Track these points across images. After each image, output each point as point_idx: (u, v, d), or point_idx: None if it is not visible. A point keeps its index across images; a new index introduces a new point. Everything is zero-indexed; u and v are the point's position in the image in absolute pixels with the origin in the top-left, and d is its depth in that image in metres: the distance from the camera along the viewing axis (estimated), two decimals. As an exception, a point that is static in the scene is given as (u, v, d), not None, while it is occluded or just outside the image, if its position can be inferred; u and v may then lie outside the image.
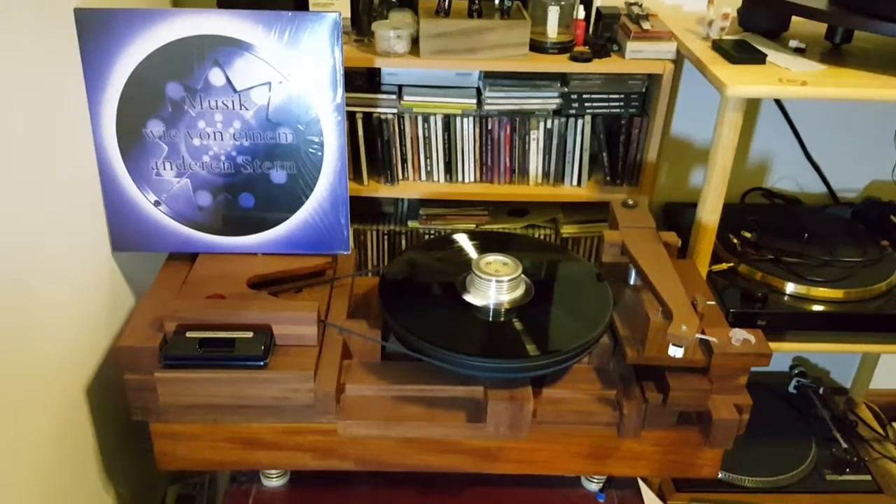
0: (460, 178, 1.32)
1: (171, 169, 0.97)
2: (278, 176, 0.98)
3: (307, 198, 0.98)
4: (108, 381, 1.00)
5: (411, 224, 1.36)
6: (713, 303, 0.95)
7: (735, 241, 1.30)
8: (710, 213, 1.15)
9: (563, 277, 1.02)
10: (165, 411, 0.89)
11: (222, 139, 0.96)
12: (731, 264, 1.26)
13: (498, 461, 0.95)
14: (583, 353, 0.92)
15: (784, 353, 1.27)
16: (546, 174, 1.32)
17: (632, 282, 1.04)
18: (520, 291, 0.96)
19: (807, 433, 1.52)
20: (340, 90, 0.94)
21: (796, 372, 1.66)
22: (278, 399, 0.87)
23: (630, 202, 1.08)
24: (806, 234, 1.32)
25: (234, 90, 0.93)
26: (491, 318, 0.93)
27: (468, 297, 0.94)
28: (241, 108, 0.94)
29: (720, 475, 1.41)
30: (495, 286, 0.93)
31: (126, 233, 1.00)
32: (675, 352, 0.84)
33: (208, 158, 0.97)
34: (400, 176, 1.32)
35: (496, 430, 0.89)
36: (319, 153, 0.96)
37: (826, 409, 1.59)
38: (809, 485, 1.42)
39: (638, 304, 0.98)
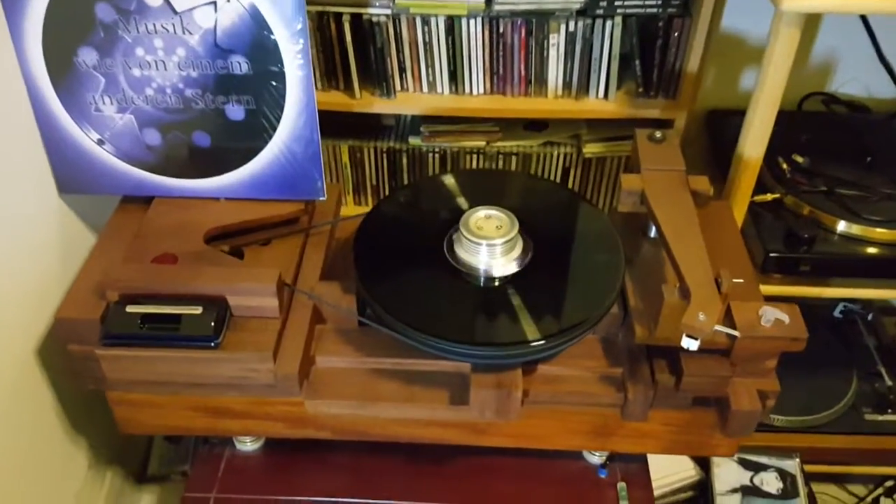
0: (467, 90, 1.16)
1: (112, 103, 0.84)
2: (235, 112, 0.84)
3: (271, 137, 0.85)
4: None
5: (412, 141, 1.22)
6: (741, 280, 0.81)
7: (784, 165, 1.13)
8: (753, 146, 0.97)
9: (568, 233, 0.88)
10: (117, 384, 0.81)
11: (165, 69, 0.81)
12: (777, 195, 1.09)
13: (487, 435, 0.86)
14: (587, 331, 0.80)
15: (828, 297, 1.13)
16: (567, 85, 1.15)
17: (651, 234, 0.90)
18: (516, 253, 0.82)
19: (848, 366, 1.40)
20: (303, 11, 0.77)
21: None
22: (237, 378, 0.79)
23: (658, 135, 0.91)
24: (869, 158, 1.14)
25: (174, 11, 0.78)
26: (482, 287, 0.81)
27: (455, 262, 0.82)
28: (183, 33, 0.79)
29: (747, 413, 1.31)
30: (486, 250, 0.81)
31: (71, 174, 0.89)
32: (689, 344, 0.71)
33: (152, 91, 0.83)
34: (398, 87, 1.16)
35: (481, 414, 0.79)
36: (281, 86, 0.82)
37: (873, 338, 1.45)
38: (845, 424, 1.32)
39: (654, 269, 0.84)
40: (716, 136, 1.28)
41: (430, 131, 1.20)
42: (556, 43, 1.10)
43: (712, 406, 0.82)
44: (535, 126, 1.24)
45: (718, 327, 0.70)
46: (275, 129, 0.84)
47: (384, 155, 1.23)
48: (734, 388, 0.78)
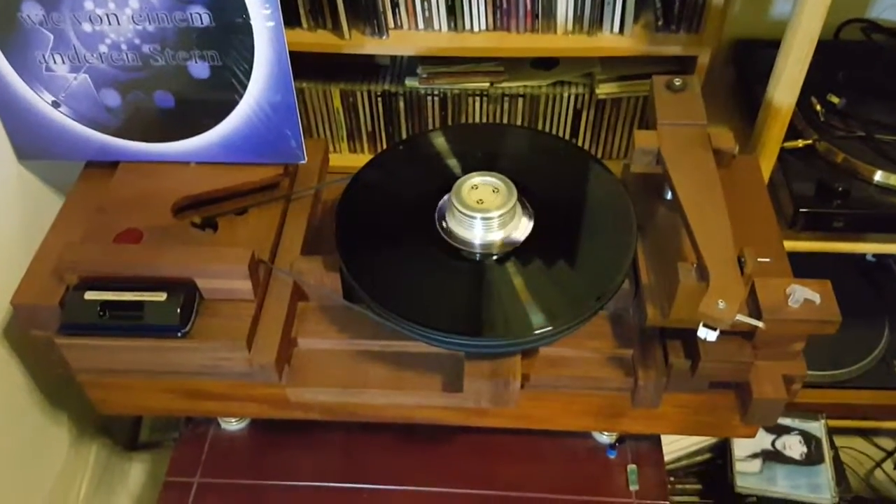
0: (468, 26, 1.05)
1: (63, 62, 0.75)
2: (199, 69, 0.75)
3: (241, 95, 0.76)
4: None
5: (409, 83, 1.12)
6: (767, 259, 0.73)
7: (818, 107, 1.02)
8: (785, 91, 0.87)
9: (574, 200, 0.80)
10: (83, 371, 0.76)
11: (119, 23, 0.72)
12: (809, 141, 0.99)
13: (488, 416, 0.81)
14: (595, 313, 0.73)
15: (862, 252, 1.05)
16: (578, 18, 1.04)
17: (668, 196, 0.81)
18: (516, 224, 0.75)
19: (880, 315, 1.32)
20: (267, -50, 0.68)
21: (878, 237, 1.42)
22: (210, 367, 0.73)
23: (677, 82, 0.82)
24: (915, 97, 1.03)
25: (121, -44, 0.69)
26: (477, 265, 0.73)
27: (448, 237, 0.74)
28: (134, -18, 0.70)
29: (770, 368, 1.25)
30: (482, 224, 0.73)
31: (28, 139, 0.81)
32: (707, 334, 0.64)
33: (106, 48, 0.74)
34: (391, 24, 1.05)
35: (476, 402, 0.73)
36: (248, 39, 0.73)
37: (907, 285, 1.37)
38: (874, 378, 1.25)
39: (670, 238, 0.76)
40: (743, 70, 1.17)
41: (429, 72, 1.10)
42: (565, -28, 0.99)
43: (731, 388, 0.76)
44: (543, 64, 1.14)
45: (740, 317, 0.63)
46: (244, 87, 0.75)
47: (379, 99, 1.14)
48: (756, 373, 0.71)
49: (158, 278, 0.70)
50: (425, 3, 1.03)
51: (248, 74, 0.75)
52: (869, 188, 0.96)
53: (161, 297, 0.69)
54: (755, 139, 0.94)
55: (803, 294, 0.67)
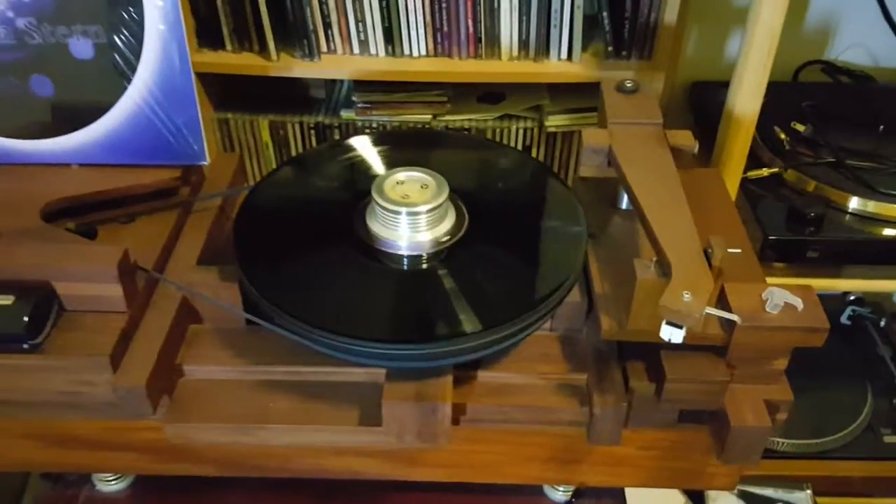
0: (406, 51, 0.99)
1: (-81, 39, 0.66)
2: (81, 47, 0.66)
3: (129, 81, 0.67)
4: None
5: (345, 115, 1.04)
6: (738, 250, 0.64)
7: (782, 135, 0.96)
8: (748, 99, 0.81)
9: (514, 200, 0.71)
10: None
11: (-14, -9, 0.64)
12: (776, 169, 0.92)
13: (418, 466, 0.68)
14: (542, 319, 0.62)
15: (841, 291, 0.96)
16: (524, 44, 0.98)
17: (623, 205, 0.72)
18: (447, 225, 0.65)
19: (861, 380, 1.22)
20: None
21: (852, 298, 1.35)
22: (69, 394, 0.60)
23: (629, 84, 0.74)
24: (882, 126, 0.97)
25: None
26: (403, 269, 0.63)
27: (369, 240, 0.64)
28: (4, -60, 0.61)
29: (746, 435, 1.13)
30: (407, 220, 0.63)
31: None
32: (672, 334, 0.53)
33: (-29, 22, 0.65)
34: (323, 47, 0.98)
35: (399, 438, 0.60)
36: (138, 11, 0.64)
37: (888, 347, 1.28)
38: (861, 448, 1.14)
39: (626, 247, 0.67)
40: (701, 111, 1.12)
41: (365, 101, 1.03)
42: (508, -8, 0.94)
43: (706, 423, 0.64)
44: (490, 98, 1.07)
45: (710, 310, 0.52)
46: (134, 71, 0.66)
47: (312, 131, 1.05)
48: (733, 397, 0.60)
49: (7, 281, 0.58)
50: (360, 25, 0.96)
51: (137, 55, 0.65)
52: (844, 216, 0.89)
53: (7, 300, 0.56)
54: (716, 158, 0.86)
55: (783, 297, 0.57)
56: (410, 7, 0.94)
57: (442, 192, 0.64)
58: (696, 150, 0.69)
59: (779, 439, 1.13)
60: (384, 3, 0.94)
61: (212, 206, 0.73)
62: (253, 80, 1.04)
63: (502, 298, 0.61)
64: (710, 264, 0.56)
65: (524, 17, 0.95)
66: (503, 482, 0.70)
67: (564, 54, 0.98)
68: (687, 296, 0.52)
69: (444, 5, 0.95)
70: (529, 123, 1.04)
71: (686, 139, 0.69)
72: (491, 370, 0.64)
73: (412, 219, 0.62)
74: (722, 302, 0.59)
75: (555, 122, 1.03)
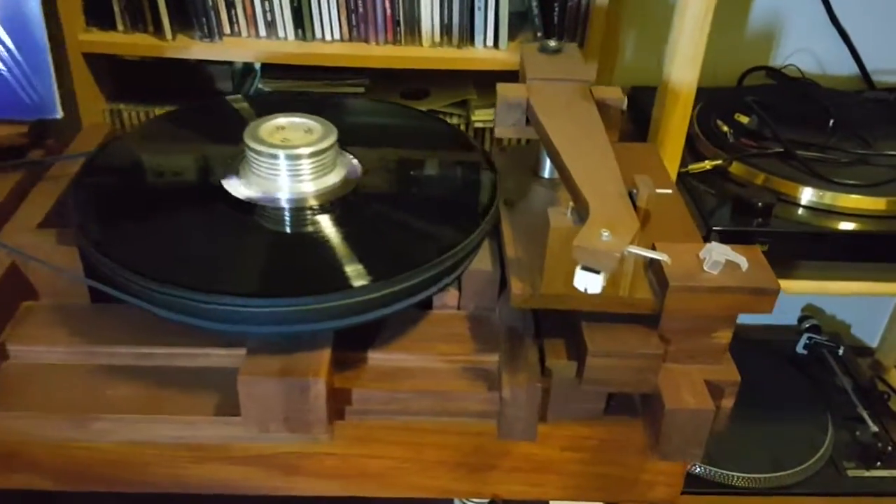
0: (318, 34, 0.91)
1: None
2: None
3: (-36, 14, 0.58)
4: None
5: (250, 105, 0.95)
6: (669, 191, 0.56)
7: (725, 128, 0.90)
8: (684, 67, 0.74)
9: (416, 155, 0.63)
10: None
11: None
12: (719, 162, 0.86)
13: (298, 475, 0.57)
14: (442, 281, 0.53)
15: (794, 295, 0.89)
16: (446, 29, 0.91)
17: (545, 173, 0.64)
18: (336, 177, 0.56)
19: (821, 411, 1.14)
20: None
21: (807, 326, 1.28)
22: None
23: (552, 44, 0.67)
24: (832, 121, 0.92)
25: None
26: (281, 223, 0.53)
27: (239, 192, 0.54)
28: None
29: (697, 469, 1.04)
30: (287, 165, 0.54)
31: None
32: (586, 281, 0.44)
33: None
34: (226, 29, 0.91)
35: (262, 428, 0.50)
36: (-29, -74, 0.55)
37: (847, 377, 1.21)
38: (824, 483, 1.05)
39: (545, 216, 0.58)
40: (641, 116, 1.06)
41: (273, 88, 0.94)
42: (429, -30, 0.88)
43: (640, 415, 0.55)
44: (414, 94, 1.00)
45: (633, 248, 0.44)
46: (-33, 0, 0.57)
47: (213, 126, 0.96)
48: (669, 378, 0.51)
49: None
50: (266, 3, 0.89)
51: (-28, -20, 0.57)
52: (796, 209, 0.82)
53: None
54: (651, 137, 0.79)
55: (723, 255, 0.49)
56: (322, -15, 0.88)
57: (329, 136, 0.55)
58: (624, 106, 0.62)
59: (734, 473, 1.04)
60: (293, -20, 0.87)
61: (70, 174, 0.64)
62: (150, 69, 0.96)
63: (392, 251, 0.52)
64: (634, 205, 0.48)
65: (446, 0, 0.89)
66: (403, 496, 0.59)
67: (490, 41, 0.92)
68: (605, 234, 0.44)
69: (358, -17, 0.88)
70: (455, 119, 0.97)
71: (614, 93, 0.62)
72: (383, 350, 0.54)
73: (292, 164, 0.53)
74: (655, 267, 0.51)
75: (482, 116, 0.96)
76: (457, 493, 0.61)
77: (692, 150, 0.90)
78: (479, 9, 0.90)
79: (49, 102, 0.61)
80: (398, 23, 0.91)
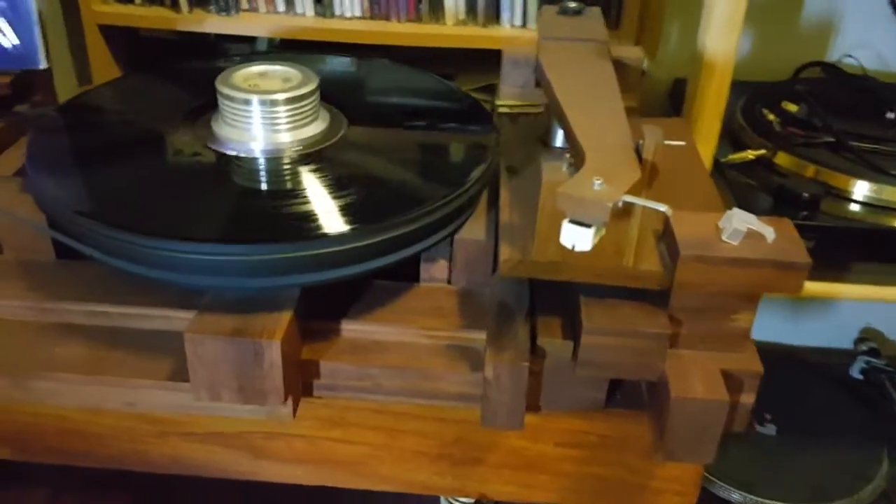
0: (337, 10, 0.88)
1: None
2: None
3: (-58, -48, 0.55)
4: None
5: (266, 84, 0.92)
6: (682, 142, 0.49)
7: (771, 117, 0.83)
8: (720, 35, 0.66)
9: (411, 111, 0.58)
10: None
11: None
12: (762, 152, 0.78)
13: (265, 459, 0.52)
14: (425, 240, 0.48)
15: (845, 301, 0.80)
16: (471, 6, 0.86)
17: (556, 142, 0.58)
18: (317, 128, 0.51)
19: (875, 439, 1.05)
20: None
21: (865, 349, 1.18)
22: None
23: (572, 5, 0.62)
24: (891, 113, 0.84)
25: None
26: (253, 173, 0.49)
27: (212, 144, 0.50)
28: None
29: (735, 496, 0.95)
30: (262, 112, 0.49)
31: None
32: (574, 237, 0.38)
33: None
34: (243, 3, 0.87)
35: (213, 395, 0.45)
36: None
37: (906, 404, 1.11)
38: (875, 518, 0.95)
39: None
40: (681, 109, 0.99)
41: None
42: (454, -58, 0.83)
43: (647, 408, 0.48)
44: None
45: (629, 197, 0.37)
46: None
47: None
48: (679, 365, 0.44)
49: None
50: (285, -23, 0.86)
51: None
52: (847, 204, 0.74)
53: None
54: (685, 114, 0.72)
55: (745, 223, 0.43)
56: (342, -42, 0.84)
57: (309, 83, 0.50)
58: (644, 65, 0.56)
59: (775, 502, 0.95)
60: (313, -48, 0.84)
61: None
62: (169, 47, 0.93)
63: (368, 202, 0.47)
64: (640, 157, 0.42)
65: (472, -25, 0.84)
66: (379, 488, 0.53)
67: (518, 20, 0.86)
68: (598, 182, 0.38)
69: (381, -43, 0.84)
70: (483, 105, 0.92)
71: (632, 52, 0.56)
72: (359, 321, 0.49)
73: (267, 110, 0.49)
74: (667, 236, 0.44)
75: (507, 101, 0.90)
76: (439, 490, 0.54)
77: (735, 143, 0.83)
78: (507, -15, 0.85)
79: (32, 52, 0.58)
80: (420, 0, 0.86)
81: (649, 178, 0.45)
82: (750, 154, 0.78)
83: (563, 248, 0.42)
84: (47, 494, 0.62)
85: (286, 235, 0.43)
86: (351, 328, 0.49)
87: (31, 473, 0.59)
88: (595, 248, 0.43)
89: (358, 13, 0.88)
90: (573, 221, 0.38)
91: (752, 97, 0.88)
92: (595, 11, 0.63)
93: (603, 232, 0.39)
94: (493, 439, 0.50)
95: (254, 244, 0.43)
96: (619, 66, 0.55)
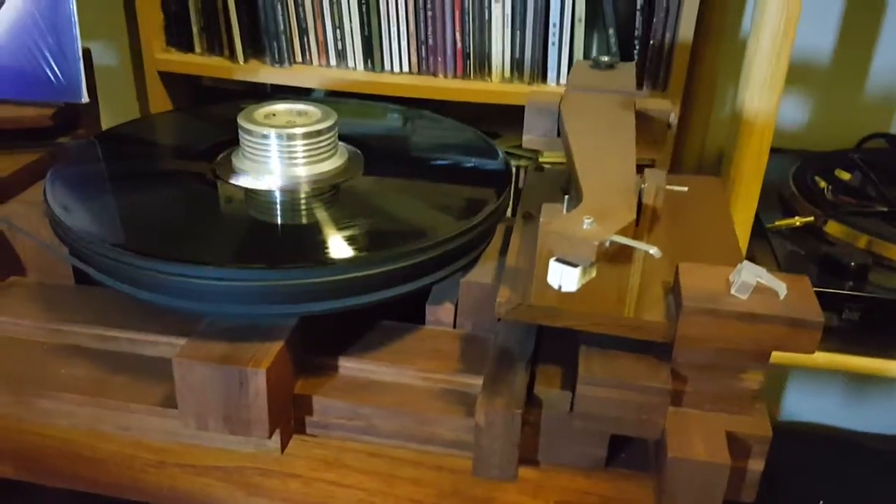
0: (387, 66, 0.90)
1: None
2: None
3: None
4: None
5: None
6: (683, 189, 0.47)
7: (823, 184, 0.80)
8: (760, 90, 0.65)
9: (429, 154, 0.59)
10: None
11: None
12: (810, 218, 0.75)
13: (261, 496, 0.51)
14: (426, 277, 0.47)
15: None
16: (518, 63, 0.87)
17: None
18: (335, 163, 0.52)
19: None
20: None
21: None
22: None
23: (605, 59, 0.62)
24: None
25: None
26: (268, 205, 0.50)
27: (229, 180, 0.51)
28: None
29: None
30: (279, 146, 0.50)
31: None
32: (561, 276, 0.37)
33: None
34: (296, 55, 0.91)
35: (200, 424, 0.45)
36: None
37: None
38: None
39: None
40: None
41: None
42: (501, 2, 0.84)
43: (652, 469, 0.46)
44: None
45: (619, 238, 0.36)
46: (7, -20, 0.59)
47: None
48: (679, 421, 0.42)
49: None
50: (337, 32, 0.88)
51: (13, -39, 0.58)
52: (896, 276, 0.70)
53: None
54: (723, 174, 0.70)
55: (756, 276, 0.41)
56: (394, 17, 0.86)
57: (327, 119, 0.51)
58: (672, 118, 0.55)
59: None
60: (364, 13, 0.86)
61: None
62: (227, 97, 0.97)
63: (371, 234, 0.47)
64: (639, 200, 0.41)
65: (518, 32, 0.85)
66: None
67: (564, 78, 0.87)
68: (588, 221, 0.37)
69: (429, 16, 0.86)
70: (524, 162, 0.92)
71: (660, 104, 0.55)
72: (356, 359, 0.48)
73: (284, 144, 0.50)
74: (675, 287, 0.43)
75: (551, 157, 0.90)
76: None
77: (785, 210, 0.80)
78: (554, 44, 0.85)
79: (76, 85, 0.61)
80: (468, 56, 0.88)
81: (670, 229, 0.44)
82: (797, 221, 0.76)
83: (563, 294, 0.40)
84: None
85: (283, 263, 0.43)
86: (348, 365, 0.48)
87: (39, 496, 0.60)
88: (597, 295, 0.42)
89: (406, 68, 0.90)
90: (560, 260, 0.36)
91: (805, 164, 0.85)
92: (628, 66, 0.62)
93: (593, 274, 0.37)
94: (489, 492, 0.48)
95: (244, 269, 0.43)
96: (645, 119, 0.54)
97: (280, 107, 0.53)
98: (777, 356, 0.72)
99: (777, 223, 0.76)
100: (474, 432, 0.44)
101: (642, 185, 0.41)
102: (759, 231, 0.77)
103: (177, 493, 0.52)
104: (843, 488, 1.00)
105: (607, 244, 0.36)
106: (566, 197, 0.41)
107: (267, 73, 0.90)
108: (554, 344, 0.47)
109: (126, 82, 1.06)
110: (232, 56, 0.91)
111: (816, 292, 0.68)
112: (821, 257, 0.71)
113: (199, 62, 0.91)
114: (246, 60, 0.90)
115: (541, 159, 0.91)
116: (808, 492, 0.98)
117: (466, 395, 0.47)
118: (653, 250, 0.36)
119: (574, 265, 0.36)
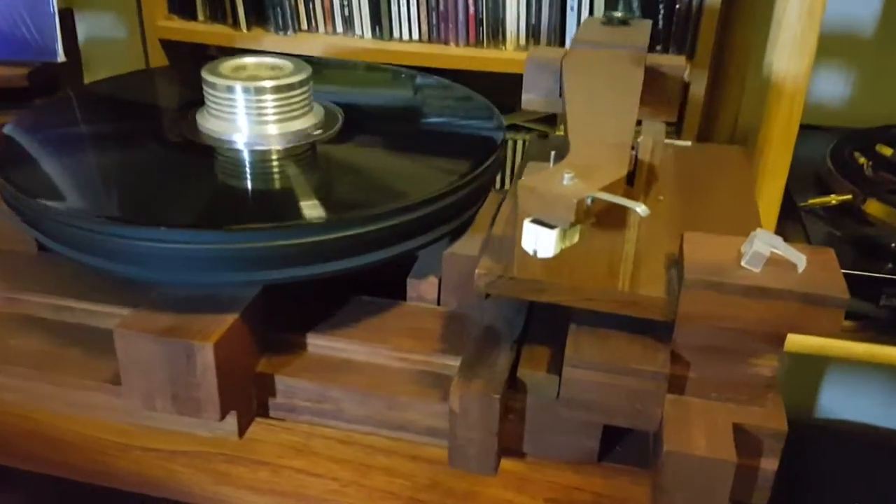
0: (396, 33, 0.85)
1: None
2: None
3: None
4: None
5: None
6: (687, 143, 0.42)
7: (862, 160, 0.73)
8: (789, 52, 0.59)
9: (416, 114, 0.54)
10: None
11: None
12: (848, 196, 0.69)
13: (229, 484, 0.47)
14: (401, 244, 0.42)
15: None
16: (534, 29, 0.82)
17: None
18: (309, 121, 0.48)
19: None
20: None
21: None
22: None
23: (618, 14, 0.56)
24: None
25: None
26: (234, 163, 0.46)
27: (195, 136, 0.47)
28: None
29: None
30: (246, 101, 0.46)
31: None
32: (536, 240, 0.32)
33: None
34: (301, 22, 0.87)
35: (147, 402, 0.41)
36: None
37: None
38: None
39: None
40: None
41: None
42: (517, -36, 0.79)
43: (650, 465, 0.41)
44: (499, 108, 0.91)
45: (602, 195, 0.31)
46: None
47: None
48: (680, 411, 0.37)
49: None
50: (344, 0, 0.84)
51: None
52: (943, 260, 0.64)
53: None
54: (749, 143, 0.64)
55: (769, 246, 0.35)
56: (402, -22, 0.82)
57: (300, 73, 0.47)
58: (685, 73, 0.49)
59: None
60: (372, -27, 0.82)
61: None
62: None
63: (340, 196, 0.43)
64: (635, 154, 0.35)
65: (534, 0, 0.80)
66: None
67: (583, 46, 0.81)
68: (568, 176, 0.32)
69: (440, -23, 0.81)
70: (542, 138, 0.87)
71: (673, 60, 0.49)
72: (327, 336, 0.44)
73: (252, 100, 0.45)
74: (678, 259, 0.37)
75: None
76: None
77: (821, 188, 0.74)
78: (572, 8, 0.80)
79: (51, 44, 0.58)
80: (481, 22, 0.83)
81: (684, 192, 0.39)
82: (833, 199, 0.69)
83: (549, 265, 0.36)
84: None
85: (235, 223, 0.39)
86: (317, 343, 0.44)
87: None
88: (588, 266, 0.37)
89: (416, 36, 0.85)
90: (536, 221, 0.32)
91: (843, 140, 0.78)
92: (644, 24, 0.57)
93: (575, 239, 0.33)
94: (470, 486, 0.43)
95: (196, 231, 0.39)
96: (657, 76, 0.49)
97: (250, 60, 0.49)
98: (807, 345, 0.66)
99: (811, 201, 0.70)
100: (448, 419, 0.39)
101: (638, 140, 0.36)
102: (791, 211, 0.71)
103: (143, 478, 0.49)
104: (881, 492, 0.94)
105: (589, 202, 0.31)
106: (552, 153, 0.36)
107: (271, 41, 0.86)
108: (545, 323, 0.43)
109: (136, 54, 1.03)
110: (235, 23, 0.87)
111: (853, 276, 0.61)
112: (858, 238, 0.65)
113: (202, 30, 0.88)
114: (249, 28, 0.87)
115: (558, 132, 0.85)
116: (845, 495, 0.92)
117: (444, 378, 0.42)
118: (640, 208, 0.31)
119: (551, 226, 0.31)
